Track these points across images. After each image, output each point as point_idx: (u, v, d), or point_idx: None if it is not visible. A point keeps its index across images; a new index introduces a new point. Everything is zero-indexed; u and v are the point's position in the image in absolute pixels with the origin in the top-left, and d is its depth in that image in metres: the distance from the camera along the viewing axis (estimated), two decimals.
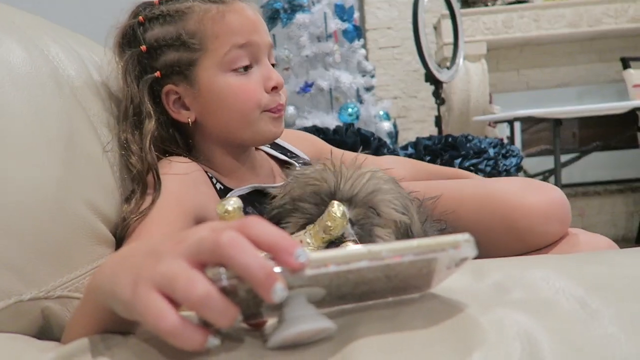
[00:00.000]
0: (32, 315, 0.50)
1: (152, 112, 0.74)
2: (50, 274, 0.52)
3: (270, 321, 0.37)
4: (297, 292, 0.33)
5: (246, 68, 0.76)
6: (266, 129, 0.78)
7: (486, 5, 3.34)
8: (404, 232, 0.68)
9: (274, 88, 0.77)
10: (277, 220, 0.68)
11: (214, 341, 0.31)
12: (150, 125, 0.73)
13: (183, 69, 0.75)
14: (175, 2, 0.77)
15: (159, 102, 0.77)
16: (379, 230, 0.65)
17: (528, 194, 0.78)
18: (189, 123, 0.77)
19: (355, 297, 0.38)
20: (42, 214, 0.53)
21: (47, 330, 0.52)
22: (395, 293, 0.39)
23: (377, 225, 0.65)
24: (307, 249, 0.36)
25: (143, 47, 0.75)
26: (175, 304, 0.31)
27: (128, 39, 0.77)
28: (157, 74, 0.75)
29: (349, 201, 0.63)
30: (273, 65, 0.81)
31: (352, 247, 0.32)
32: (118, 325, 0.38)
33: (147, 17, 0.77)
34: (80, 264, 0.57)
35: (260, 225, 0.32)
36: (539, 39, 3.32)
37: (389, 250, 0.32)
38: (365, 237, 0.63)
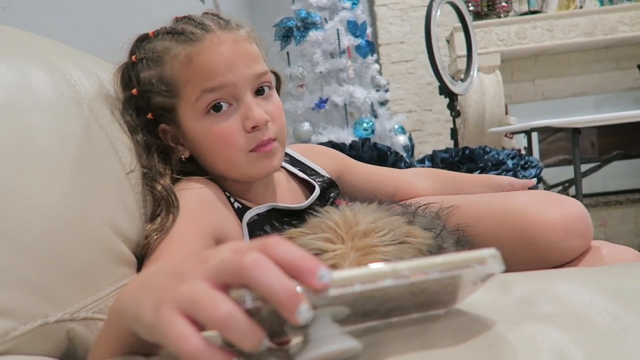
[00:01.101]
0: (58, 337, 0.50)
1: (152, 145, 0.75)
2: (74, 296, 0.53)
3: (295, 340, 0.36)
4: (322, 311, 0.32)
5: (220, 108, 0.73)
6: (255, 169, 0.76)
7: (499, 17, 3.33)
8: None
9: (255, 127, 0.74)
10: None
11: None
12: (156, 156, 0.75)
13: (167, 113, 0.76)
14: (163, 39, 0.75)
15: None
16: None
17: (547, 209, 0.76)
18: (181, 159, 0.78)
19: (380, 314, 0.37)
20: (65, 236, 0.54)
21: (72, 353, 0.52)
22: (420, 309, 0.38)
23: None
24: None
25: (134, 91, 0.75)
26: (198, 326, 0.31)
27: (125, 81, 0.77)
28: (150, 115, 0.76)
29: None
30: (263, 90, 0.76)
31: (376, 266, 0.32)
32: (141, 347, 0.38)
33: (139, 58, 0.76)
34: (103, 285, 0.57)
35: (283, 246, 0.31)
36: (554, 48, 3.29)
37: (413, 268, 0.32)
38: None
